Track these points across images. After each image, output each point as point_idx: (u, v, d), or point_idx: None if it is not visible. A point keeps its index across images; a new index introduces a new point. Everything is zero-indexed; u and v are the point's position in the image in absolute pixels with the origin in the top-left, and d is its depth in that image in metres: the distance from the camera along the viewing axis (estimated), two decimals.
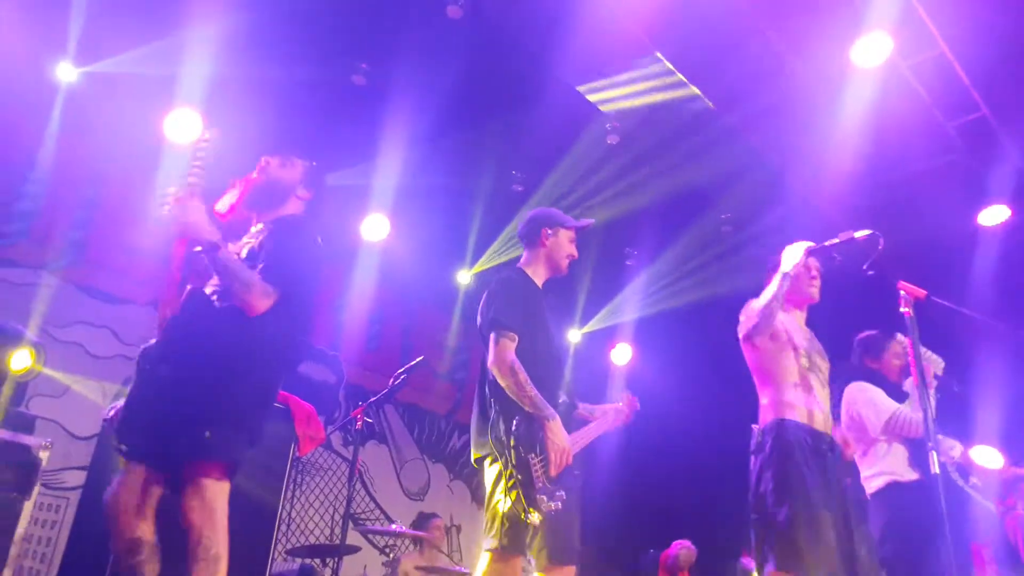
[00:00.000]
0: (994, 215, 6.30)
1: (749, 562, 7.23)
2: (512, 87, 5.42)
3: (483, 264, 7.78)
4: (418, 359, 4.50)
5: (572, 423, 3.42)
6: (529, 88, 5.34)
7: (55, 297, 5.48)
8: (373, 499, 7.70)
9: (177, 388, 2.52)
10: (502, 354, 3.10)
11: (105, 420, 2.74)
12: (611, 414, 3.72)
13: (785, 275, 3.21)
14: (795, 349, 3.28)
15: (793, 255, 3.27)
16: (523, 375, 3.06)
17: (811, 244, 3.29)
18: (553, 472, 3.01)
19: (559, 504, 2.98)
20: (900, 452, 4.22)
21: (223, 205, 2.78)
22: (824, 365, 3.38)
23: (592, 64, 5.16)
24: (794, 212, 6.30)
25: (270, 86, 5.35)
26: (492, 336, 3.16)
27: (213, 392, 2.55)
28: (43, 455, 3.88)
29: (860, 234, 3.12)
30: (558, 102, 5.45)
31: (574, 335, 9.18)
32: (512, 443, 3.02)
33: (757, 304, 3.21)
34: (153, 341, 2.65)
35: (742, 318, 3.30)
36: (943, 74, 5.07)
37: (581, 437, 3.44)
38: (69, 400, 5.33)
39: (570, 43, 4.89)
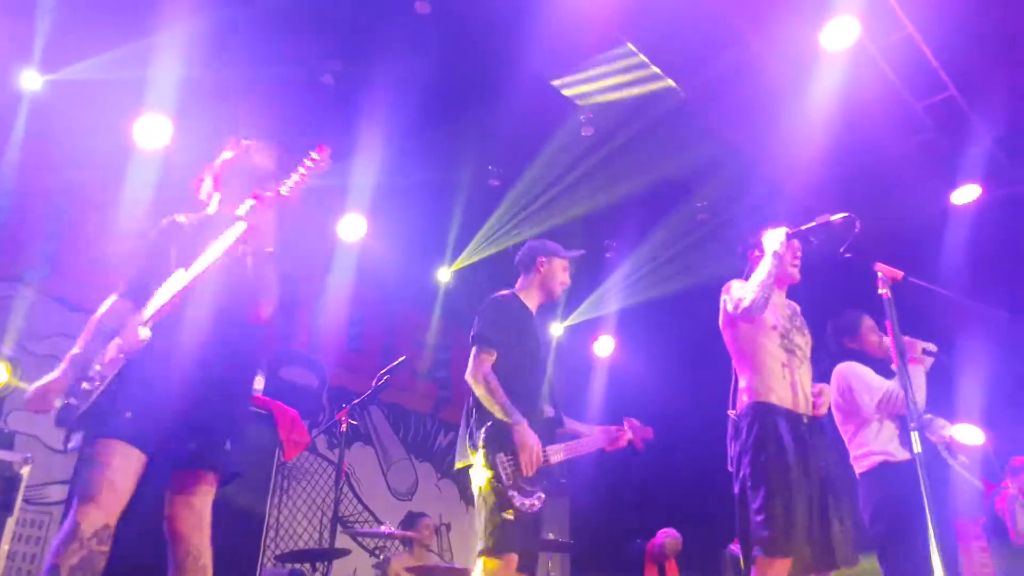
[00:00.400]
0: (966, 194, 6.38)
1: (737, 549, 7.28)
2: (485, 81, 5.41)
3: (462, 261, 7.77)
4: (400, 359, 4.49)
5: (556, 436, 3.68)
6: (502, 82, 5.33)
7: (31, 310, 5.40)
8: (361, 501, 7.68)
9: (209, 393, 2.47)
10: (477, 366, 3.44)
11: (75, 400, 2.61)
12: (604, 435, 3.92)
13: (776, 254, 3.22)
14: (775, 328, 3.28)
15: (776, 236, 3.28)
16: (494, 384, 3.37)
17: (788, 229, 3.32)
18: (525, 471, 3.25)
19: (536, 504, 3.28)
20: (891, 431, 4.25)
21: (286, 189, 2.58)
22: (804, 342, 3.37)
23: (563, 56, 5.15)
24: (768, 197, 6.35)
25: (239, 88, 5.30)
26: (473, 350, 3.50)
27: (236, 403, 2.58)
28: (24, 470, 3.83)
29: (836, 217, 3.14)
30: (532, 95, 5.45)
31: (556, 329, 9.19)
32: (481, 445, 3.30)
33: (751, 286, 3.18)
34: (148, 335, 2.51)
35: (728, 299, 3.28)
36: (911, 55, 5.13)
37: (566, 449, 3.64)
38: (48, 415, 5.25)
39: (540, 35, 4.88)
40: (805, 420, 3.16)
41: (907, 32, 4.94)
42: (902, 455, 4.14)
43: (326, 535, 6.77)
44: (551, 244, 3.88)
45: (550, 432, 3.64)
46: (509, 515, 3.18)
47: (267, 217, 2.49)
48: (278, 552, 6.07)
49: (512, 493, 3.23)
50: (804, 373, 3.29)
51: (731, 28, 5.03)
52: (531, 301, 3.78)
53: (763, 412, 3.10)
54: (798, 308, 3.53)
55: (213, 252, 2.48)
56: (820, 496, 3.05)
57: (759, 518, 2.91)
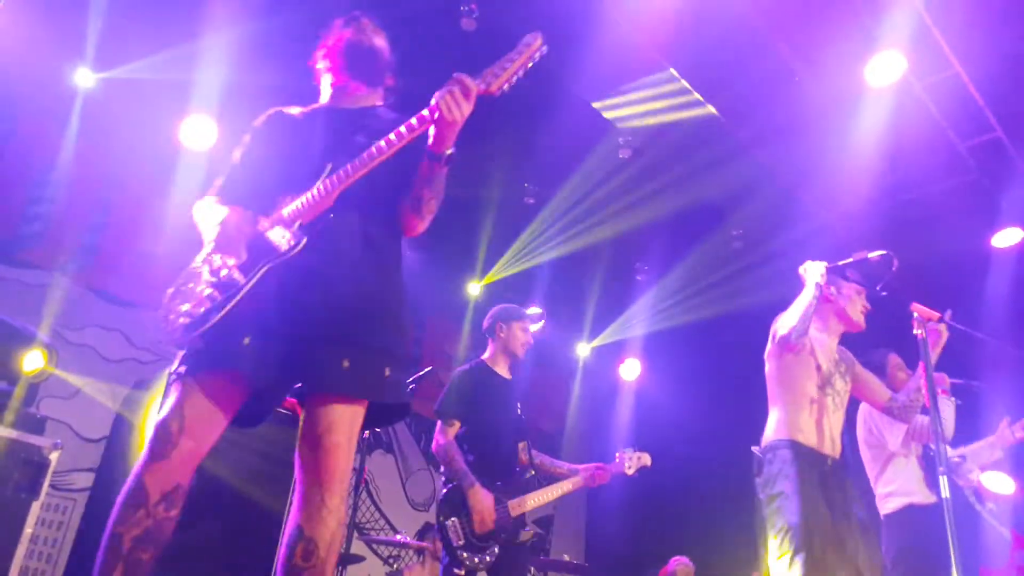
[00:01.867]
0: (1007, 237, 6.27)
1: None
2: (525, 100, 5.44)
3: (493, 276, 7.79)
4: (427, 369, 4.51)
5: (535, 481, 4.10)
6: (542, 102, 5.36)
7: (68, 299, 5.52)
8: (378, 509, 7.70)
9: (361, 308, 2.08)
10: (438, 437, 3.87)
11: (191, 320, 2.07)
12: (585, 477, 4.18)
13: (817, 285, 3.22)
14: (818, 368, 3.28)
15: (817, 268, 3.27)
16: (451, 453, 3.80)
17: (826, 263, 3.30)
18: (478, 529, 3.67)
19: (487, 559, 3.67)
20: (917, 473, 4.20)
21: (499, 84, 2.13)
22: (844, 388, 3.37)
23: (605, 79, 5.17)
24: (805, 230, 6.29)
25: (285, 93, 5.38)
26: (439, 422, 3.92)
27: (391, 324, 2.15)
28: (52, 456, 3.91)
29: (874, 254, 3.13)
30: (571, 116, 5.47)
31: (583, 349, 9.17)
32: (438, 510, 3.78)
33: (790, 314, 3.19)
34: (292, 244, 2.05)
35: (776, 328, 3.28)
36: (957, 94, 5.07)
37: (537, 497, 3.98)
38: (79, 402, 5.36)
39: (584, 57, 4.90)
40: (829, 463, 3.15)
41: (954, 71, 4.89)
42: (927, 498, 4.09)
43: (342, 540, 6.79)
44: (510, 309, 4.28)
45: (519, 481, 4.00)
46: (460, 572, 3.62)
47: (464, 113, 2.06)
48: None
49: (462, 553, 3.64)
50: (836, 419, 3.28)
51: (777, 58, 5.01)
52: (500, 366, 4.16)
53: (788, 450, 3.10)
54: (850, 356, 3.52)
55: (378, 147, 2.07)
56: (848, 530, 3.01)
57: (782, 556, 2.91)
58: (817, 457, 3.11)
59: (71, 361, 5.30)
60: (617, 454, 4.40)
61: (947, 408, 3.99)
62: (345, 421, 2.04)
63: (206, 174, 5.70)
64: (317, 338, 2.01)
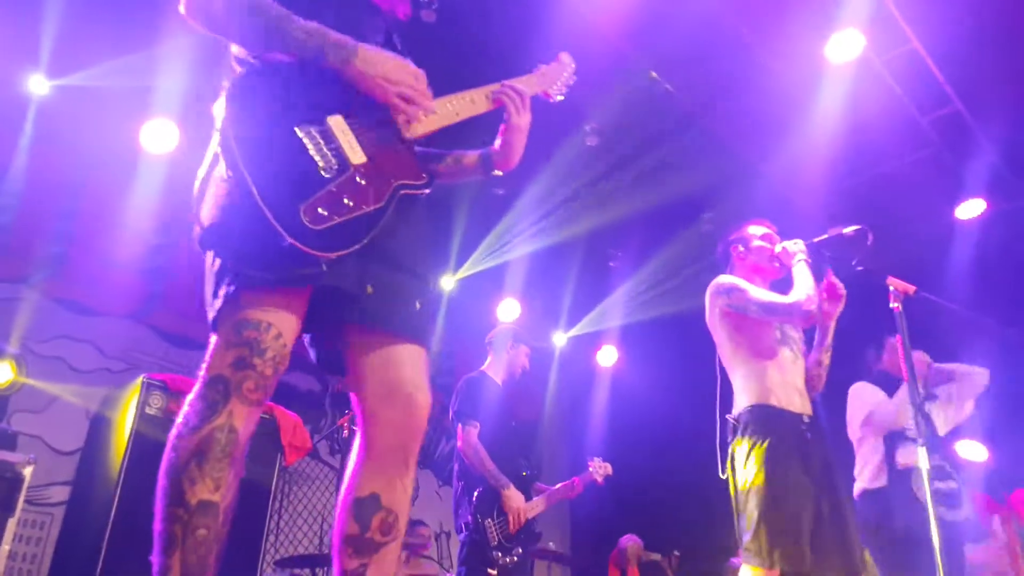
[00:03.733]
0: (971, 209, 6.37)
1: (739, 562, 7.26)
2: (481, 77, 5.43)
3: (465, 271, 7.79)
4: None
5: (532, 491, 4.38)
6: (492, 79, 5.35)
7: (35, 311, 5.42)
8: None
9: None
10: (467, 439, 4.08)
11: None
12: (565, 489, 4.60)
13: (805, 261, 3.19)
14: (770, 324, 3.21)
15: (797, 246, 3.25)
16: (483, 453, 4.03)
17: (802, 240, 3.29)
18: (512, 530, 3.96)
19: (515, 558, 3.95)
20: (879, 453, 4.27)
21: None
22: (796, 335, 3.31)
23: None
24: (774, 209, 6.34)
25: None
26: (459, 425, 4.13)
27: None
28: (26, 471, 3.84)
29: (849, 230, 3.13)
30: (536, 105, 5.46)
31: (559, 338, 9.18)
32: (473, 511, 3.98)
33: (810, 291, 3.07)
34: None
35: (740, 297, 3.18)
36: (916, 69, 5.14)
37: (542, 502, 4.34)
38: (51, 415, 5.27)
39: (545, 45, 4.89)
40: (806, 419, 3.09)
41: (911, 46, 4.96)
42: (877, 483, 4.17)
43: (326, 541, 6.76)
44: (520, 333, 4.66)
45: (527, 489, 4.29)
46: (493, 572, 3.87)
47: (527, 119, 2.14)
48: (278, 557, 6.06)
49: (496, 553, 3.90)
50: (798, 369, 3.22)
51: (737, 39, 5.04)
52: (498, 378, 4.45)
53: (763, 415, 3.03)
54: None
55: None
56: (830, 496, 2.98)
57: (749, 526, 2.87)
58: (792, 418, 3.05)
59: (41, 374, 5.21)
60: (589, 462, 4.85)
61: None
62: (426, 369, 1.80)
63: (167, 178, 5.62)
64: (408, 273, 1.78)
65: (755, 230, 3.46)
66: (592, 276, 7.96)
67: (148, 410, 4.07)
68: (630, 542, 7.63)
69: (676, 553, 7.89)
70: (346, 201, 1.60)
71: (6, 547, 3.70)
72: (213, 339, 1.66)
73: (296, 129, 1.61)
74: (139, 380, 4.17)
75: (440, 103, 1.96)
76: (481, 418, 4.17)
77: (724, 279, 3.32)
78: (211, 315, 1.68)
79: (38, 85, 5.30)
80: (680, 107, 5.61)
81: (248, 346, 1.60)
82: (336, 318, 1.72)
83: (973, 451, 6.68)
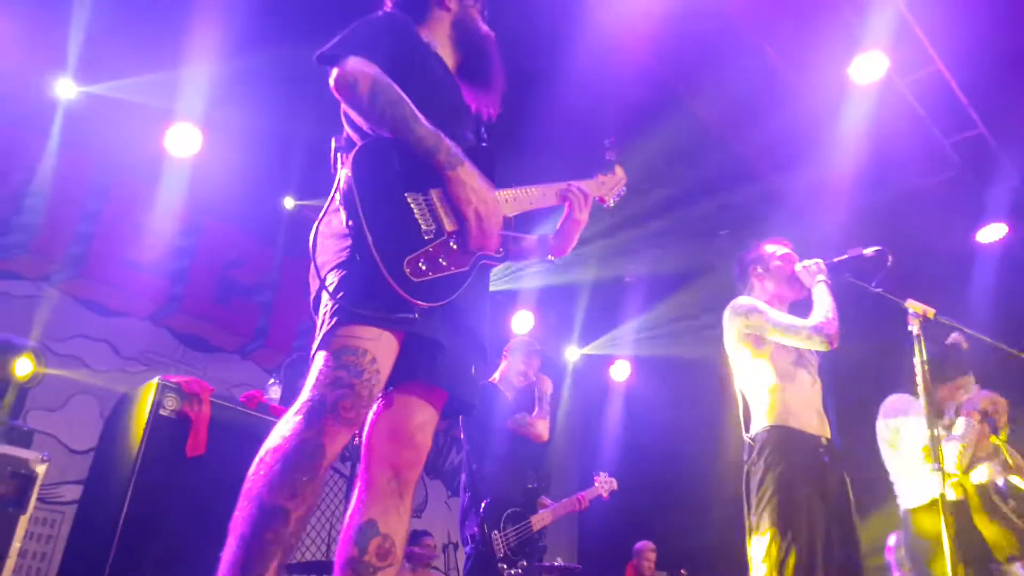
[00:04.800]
0: (992, 233, 6.32)
1: None
2: (510, 104, 5.44)
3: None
4: None
5: (538, 505, 4.42)
6: (527, 105, 5.36)
7: (55, 310, 5.47)
8: None
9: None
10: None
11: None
12: (570, 504, 4.60)
13: (825, 282, 3.18)
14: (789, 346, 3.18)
15: (817, 267, 3.24)
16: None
17: (822, 261, 3.27)
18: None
19: (519, 572, 3.94)
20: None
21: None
22: (813, 357, 3.28)
23: (590, 80, 5.16)
24: (793, 229, 6.31)
25: (269, 99, 5.38)
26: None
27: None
28: (40, 469, 3.86)
29: (869, 251, 3.11)
30: (556, 118, 5.47)
31: (572, 353, 9.16)
32: (483, 522, 3.96)
33: (830, 314, 3.07)
34: None
35: (758, 318, 3.16)
36: (939, 91, 5.11)
37: (550, 514, 4.35)
38: (66, 414, 5.31)
39: (568, 60, 4.91)
40: (824, 442, 3.06)
41: (936, 68, 4.93)
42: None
43: (333, 548, 6.76)
44: (531, 343, 4.69)
45: (533, 501, 4.33)
46: None
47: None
48: (286, 562, 6.06)
49: (502, 565, 3.89)
50: (817, 391, 3.19)
51: (762, 59, 5.04)
52: (508, 389, 4.51)
53: (781, 437, 3.00)
54: None
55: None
56: (840, 521, 2.95)
57: (760, 547, 2.84)
58: (810, 440, 3.03)
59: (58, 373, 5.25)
60: (595, 477, 4.86)
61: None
62: (435, 421, 1.99)
63: (191, 181, 5.67)
64: (468, 337, 2.00)
65: (775, 249, 3.44)
66: (607, 292, 7.94)
67: (162, 411, 4.07)
68: (645, 544, 7.66)
69: (684, 572, 7.84)
70: (441, 261, 1.85)
71: (17, 544, 3.71)
72: (316, 364, 1.79)
73: (406, 195, 1.87)
74: (154, 381, 4.18)
75: (516, 192, 2.31)
76: (489, 433, 4.20)
77: (743, 301, 3.29)
78: (316, 343, 1.84)
79: (65, 89, 5.37)
80: (703, 125, 5.60)
81: (346, 368, 1.74)
82: (408, 371, 1.90)
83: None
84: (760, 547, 2.85)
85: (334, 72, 1.90)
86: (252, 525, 1.61)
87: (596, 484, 4.78)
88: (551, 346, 8.95)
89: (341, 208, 1.84)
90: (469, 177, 1.94)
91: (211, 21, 4.77)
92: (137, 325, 5.93)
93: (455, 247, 1.90)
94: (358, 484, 1.92)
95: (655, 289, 7.70)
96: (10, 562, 3.65)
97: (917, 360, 2.87)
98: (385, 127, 1.90)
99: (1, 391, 4.13)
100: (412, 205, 1.86)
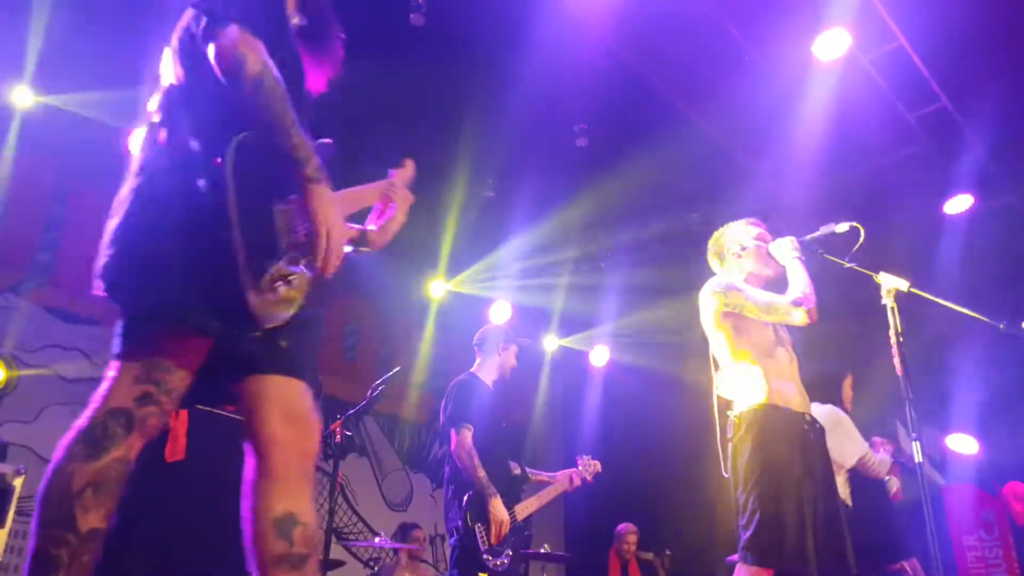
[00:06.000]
0: (959, 204, 6.40)
1: (735, 559, 7.29)
2: (478, 92, 5.42)
3: (461, 278, 7.82)
4: (395, 369, 4.51)
5: (525, 490, 4.42)
6: (495, 93, 5.34)
7: (24, 320, 5.39)
8: (356, 512, 7.65)
9: None
10: (461, 442, 4.06)
11: None
12: (566, 480, 4.63)
13: (798, 258, 3.20)
14: (767, 324, 3.21)
15: (790, 243, 3.25)
16: (476, 460, 4.02)
17: (794, 238, 3.29)
18: (494, 540, 3.95)
19: (505, 562, 3.97)
20: (843, 478, 4.35)
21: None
22: (788, 336, 3.32)
23: (555, 64, 5.15)
24: (762, 206, 6.36)
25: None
26: (451, 431, 4.11)
27: None
28: (16, 482, 3.82)
29: (841, 227, 3.13)
30: (524, 106, 5.46)
31: (551, 342, 9.17)
32: (466, 515, 3.98)
33: (806, 290, 3.09)
34: None
35: (738, 297, 3.17)
36: (902, 66, 5.15)
37: (535, 501, 4.38)
38: (41, 425, 5.24)
39: (532, 44, 4.90)
40: (807, 419, 3.09)
41: (898, 43, 4.98)
42: (849, 501, 4.24)
43: (320, 546, 6.74)
44: (509, 332, 4.64)
45: (517, 489, 4.33)
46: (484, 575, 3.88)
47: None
48: None
49: (486, 556, 3.91)
50: (795, 369, 3.22)
51: (726, 37, 5.05)
52: (488, 379, 4.43)
53: (767, 414, 3.01)
54: None
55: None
56: (826, 501, 2.97)
57: (750, 524, 2.85)
58: (795, 417, 3.04)
59: (29, 384, 5.18)
60: (578, 459, 4.80)
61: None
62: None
63: None
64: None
65: (749, 229, 3.46)
66: (583, 277, 7.96)
67: None
68: (626, 527, 7.71)
69: (668, 552, 7.91)
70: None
71: None
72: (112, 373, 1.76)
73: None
74: None
75: (343, 194, 2.24)
76: (473, 420, 4.15)
77: (721, 279, 3.31)
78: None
79: (22, 97, 5.24)
80: (669, 106, 5.61)
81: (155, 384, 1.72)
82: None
83: (963, 444, 6.73)
84: (750, 523, 2.85)
85: (218, 42, 1.75)
86: (71, 551, 1.61)
87: (579, 467, 4.75)
88: (531, 335, 8.96)
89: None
90: (328, 196, 1.85)
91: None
92: (109, 332, 5.84)
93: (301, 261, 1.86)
94: (253, 477, 1.84)
95: (630, 272, 7.71)
96: None
97: (892, 333, 2.89)
98: (267, 126, 1.78)
99: None
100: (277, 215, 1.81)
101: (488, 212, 6.81)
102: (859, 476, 4.44)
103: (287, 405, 1.86)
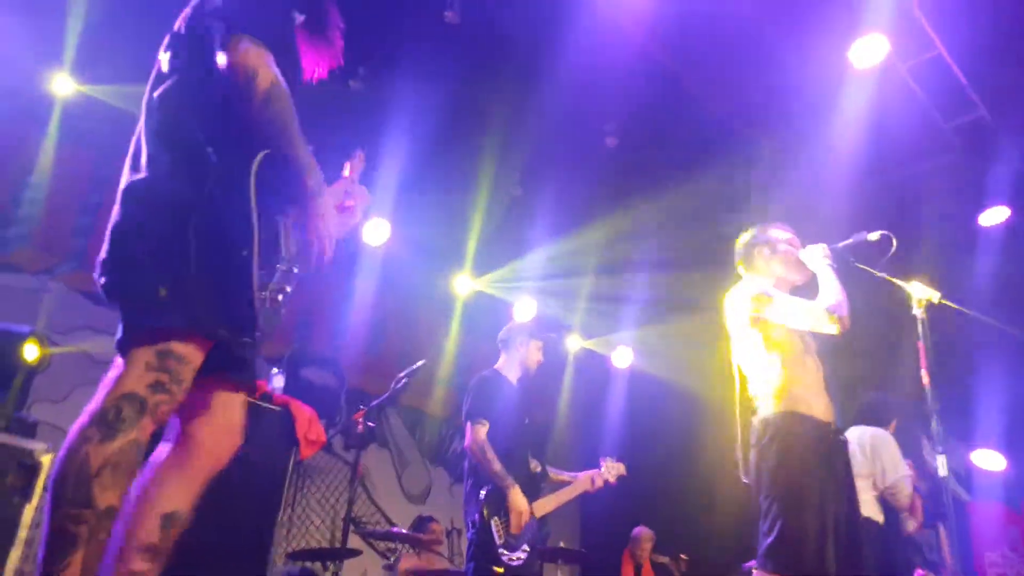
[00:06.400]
0: (994, 216, 6.30)
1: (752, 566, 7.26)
2: (509, 89, 5.43)
3: (484, 283, 7.86)
4: (419, 363, 4.53)
5: (544, 488, 4.39)
6: (526, 91, 5.35)
7: (58, 303, 5.49)
8: (374, 503, 7.71)
9: None
10: (475, 437, 4.09)
11: None
12: (587, 481, 4.60)
13: (830, 266, 3.17)
14: (797, 331, 3.17)
15: (818, 250, 3.24)
16: (490, 454, 4.03)
17: (826, 245, 3.26)
18: (514, 531, 3.95)
19: (521, 558, 3.95)
20: (870, 494, 4.32)
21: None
22: (814, 343, 3.27)
23: (587, 63, 5.14)
24: (794, 213, 6.30)
25: None
26: (468, 424, 4.14)
27: None
28: (44, 459, 3.88)
29: (873, 236, 3.10)
30: (557, 104, 5.46)
31: (574, 343, 9.16)
32: (483, 509, 3.98)
33: (840, 297, 3.07)
34: None
35: (767, 303, 3.14)
36: (940, 75, 5.09)
37: (553, 500, 4.36)
38: (70, 405, 5.33)
39: (566, 44, 4.90)
40: (833, 428, 3.07)
41: (937, 52, 4.91)
42: (880, 517, 4.21)
43: (338, 535, 6.80)
44: (531, 327, 4.69)
45: (536, 486, 4.30)
46: (499, 570, 3.87)
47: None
48: (290, 549, 6.10)
49: (502, 551, 3.90)
50: (821, 379, 3.18)
51: (762, 41, 5.02)
52: (512, 375, 4.44)
53: (795, 422, 2.98)
54: None
55: None
56: (848, 507, 2.95)
57: (771, 531, 2.83)
58: (821, 426, 3.01)
59: (60, 364, 5.27)
60: (601, 460, 4.77)
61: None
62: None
63: None
64: None
65: (780, 234, 3.43)
66: (610, 279, 7.93)
67: None
68: (643, 531, 7.69)
69: (684, 557, 7.88)
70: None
71: (23, 534, 3.74)
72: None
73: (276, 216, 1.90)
74: None
75: None
76: (493, 417, 4.17)
77: (752, 285, 3.27)
78: None
79: (63, 85, 5.32)
80: (702, 109, 5.58)
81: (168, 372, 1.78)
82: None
83: (991, 460, 6.62)
84: (772, 530, 2.84)
85: (230, 55, 1.80)
86: (90, 528, 1.66)
87: (602, 469, 4.72)
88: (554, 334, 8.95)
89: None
90: (328, 204, 1.94)
91: None
92: None
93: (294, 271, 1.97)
94: (165, 463, 1.91)
95: (658, 276, 7.68)
96: (17, 551, 3.68)
97: (921, 343, 2.86)
98: (264, 135, 1.85)
99: (7, 382, 4.15)
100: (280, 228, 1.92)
101: (516, 210, 6.82)
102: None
103: (230, 417, 1.97)
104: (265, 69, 1.80)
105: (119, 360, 1.80)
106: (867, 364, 6.05)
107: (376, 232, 6.77)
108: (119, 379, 1.75)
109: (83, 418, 1.70)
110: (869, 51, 4.85)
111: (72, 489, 1.62)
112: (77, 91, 5.36)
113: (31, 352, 4.22)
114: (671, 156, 5.95)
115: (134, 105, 5.27)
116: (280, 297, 1.87)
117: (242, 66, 1.79)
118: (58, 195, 5.58)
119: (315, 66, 2.26)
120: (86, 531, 1.61)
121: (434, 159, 6.00)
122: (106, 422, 1.68)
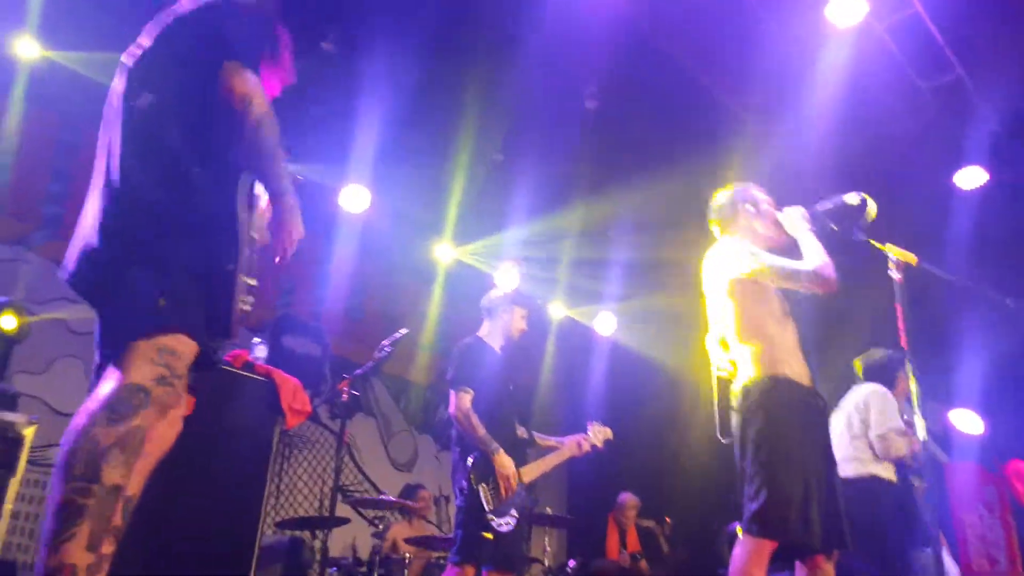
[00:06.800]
0: (970, 176, 6.34)
1: (736, 527, 7.38)
2: (487, 56, 5.38)
3: (464, 251, 7.85)
4: (402, 331, 4.52)
5: (531, 454, 4.40)
6: (504, 55, 5.30)
7: (34, 273, 5.43)
8: (361, 471, 7.75)
9: None
10: (459, 405, 4.09)
11: None
12: (574, 445, 4.58)
13: (813, 231, 3.15)
14: (775, 293, 3.15)
15: (797, 212, 3.21)
16: (474, 420, 4.04)
17: (803, 208, 3.25)
18: (504, 494, 3.97)
19: (510, 524, 3.97)
20: (871, 454, 4.38)
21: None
22: (788, 306, 3.24)
23: (567, 28, 5.09)
24: (773, 174, 6.31)
25: None
26: (452, 392, 4.15)
27: None
28: (27, 432, 3.87)
29: (851, 199, 3.09)
30: (536, 70, 5.41)
31: (557, 310, 9.17)
32: (470, 475, 3.99)
33: (822, 258, 3.02)
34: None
35: (744, 265, 3.08)
36: (918, 35, 5.08)
37: (541, 465, 4.39)
38: (51, 376, 5.31)
39: (544, 7, 4.85)
40: (814, 392, 3.06)
41: (914, 10, 4.90)
42: (889, 475, 4.26)
43: (326, 503, 6.84)
44: (517, 296, 4.65)
45: (522, 452, 4.31)
46: (488, 536, 3.88)
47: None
48: (278, 519, 6.14)
49: (491, 517, 3.92)
50: (798, 339, 3.16)
51: (739, 1, 4.99)
52: (495, 343, 4.43)
53: (779, 386, 2.95)
54: None
55: None
56: (828, 473, 2.97)
57: (757, 496, 2.81)
58: (804, 390, 3.00)
59: (39, 336, 5.23)
60: (588, 425, 4.73)
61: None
62: None
63: None
64: None
65: (760, 194, 3.41)
66: (592, 243, 7.93)
67: None
68: (628, 498, 7.80)
69: (668, 520, 8.00)
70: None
71: (9, 506, 3.74)
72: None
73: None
74: None
75: None
76: (476, 384, 4.16)
77: (736, 244, 3.21)
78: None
79: (28, 49, 5.16)
80: (681, 71, 5.55)
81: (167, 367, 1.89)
82: None
83: (969, 423, 6.73)
84: (757, 495, 2.82)
85: (226, 82, 1.95)
86: (98, 501, 1.76)
87: (589, 433, 4.67)
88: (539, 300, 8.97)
89: None
90: (297, 209, 2.08)
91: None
92: None
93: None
94: None
95: (637, 240, 7.68)
96: (3, 523, 3.68)
97: (898, 306, 2.88)
98: (248, 157, 2.00)
99: None
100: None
101: (496, 175, 6.78)
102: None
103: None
104: (260, 98, 1.95)
105: (120, 351, 1.89)
106: (846, 328, 6.11)
107: (355, 200, 6.73)
108: (126, 369, 1.85)
109: (93, 403, 1.81)
110: (847, 10, 4.83)
111: (82, 465, 1.72)
112: (42, 55, 5.23)
113: (9, 322, 4.19)
114: (646, 117, 5.91)
115: (101, 73, 5.19)
116: (248, 299, 2.01)
117: (239, 94, 1.93)
118: (28, 162, 5.47)
119: (270, 85, 2.35)
120: (94, 504, 1.70)
121: (413, 125, 5.95)
122: (114, 407, 1.79)
